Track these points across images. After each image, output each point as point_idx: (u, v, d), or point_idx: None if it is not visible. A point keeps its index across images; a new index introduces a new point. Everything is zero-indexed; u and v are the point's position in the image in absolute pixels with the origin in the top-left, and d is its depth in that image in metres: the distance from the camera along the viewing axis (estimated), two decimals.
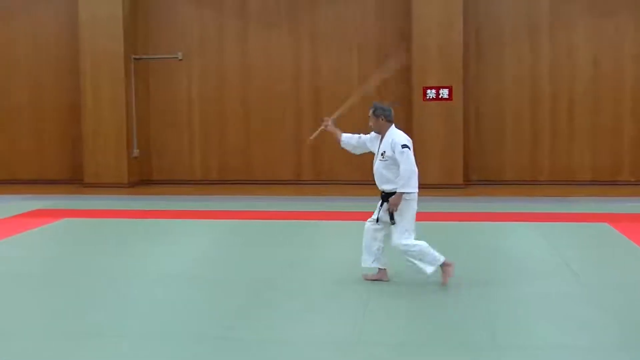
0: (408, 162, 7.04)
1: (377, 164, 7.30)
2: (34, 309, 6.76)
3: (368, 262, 7.47)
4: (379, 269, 7.49)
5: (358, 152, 7.74)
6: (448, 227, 10.80)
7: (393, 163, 7.12)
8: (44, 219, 11.82)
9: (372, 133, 7.45)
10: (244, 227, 11.17)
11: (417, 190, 7.14)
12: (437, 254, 7.21)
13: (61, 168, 17.07)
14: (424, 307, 6.69)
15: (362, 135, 7.58)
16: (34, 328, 6.17)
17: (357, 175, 14.84)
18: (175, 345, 5.72)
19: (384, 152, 7.19)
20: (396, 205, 7.09)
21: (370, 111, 7.32)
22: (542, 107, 15.79)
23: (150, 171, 17.07)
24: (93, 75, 16.04)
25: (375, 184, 7.39)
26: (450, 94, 15.20)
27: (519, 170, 15.92)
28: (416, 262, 7.20)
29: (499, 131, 15.93)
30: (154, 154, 17.05)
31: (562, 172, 15.78)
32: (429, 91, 15.24)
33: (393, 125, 7.31)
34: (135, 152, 16.51)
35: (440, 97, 15.22)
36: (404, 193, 7.06)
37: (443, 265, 7.24)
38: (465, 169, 15.68)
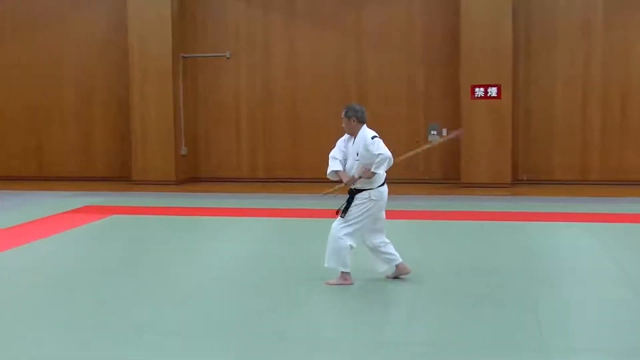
0: (380, 148, 7.01)
1: (351, 163, 7.24)
2: (81, 304, 6.84)
3: (383, 268, 7.45)
4: (396, 265, 7.42)
5: None
6: (497, 227, 10.62)
7: (366, 160, 7.08)
8: (93, 215, 11.99)
9: (345, 137, 7.34)
10: (289, 225, 11.18)
11: (379, 187, 7.09)
12: (347, 262, 7.17)
13: (109, 165, 17.31)
14: (470, 306, 6.59)
15: (339, 151, 7.34)
16: (82, 323, 6.24)
17: (407, 173, 14.55)
18: (213, 341, 5.76)
19: (358, 152, 7.16)
20: (366, 175, 7.01)
21: (343, 112, 7.28)
22: (593, 107, 15.43)
23: (198, 169, 17.20)
24: (141, 74, 16.23)
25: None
26: (499, 92, 14.99)
27: (569, 170, 15.60)
28: (328, 250, 7.23)
29: (549, 130, 15.62)
30: (201, 152, 17.17)
31: (613, 172, 15.41)
32: (477, 89, 15.05)
33: (365, 125, 7.24)
34: (183, 150, 16.65)
35: (488, 95, 15.02)
36: (375, 173, 7.00)
37: (343, 273, 7.23)
38: (514, 168, 15.46)
